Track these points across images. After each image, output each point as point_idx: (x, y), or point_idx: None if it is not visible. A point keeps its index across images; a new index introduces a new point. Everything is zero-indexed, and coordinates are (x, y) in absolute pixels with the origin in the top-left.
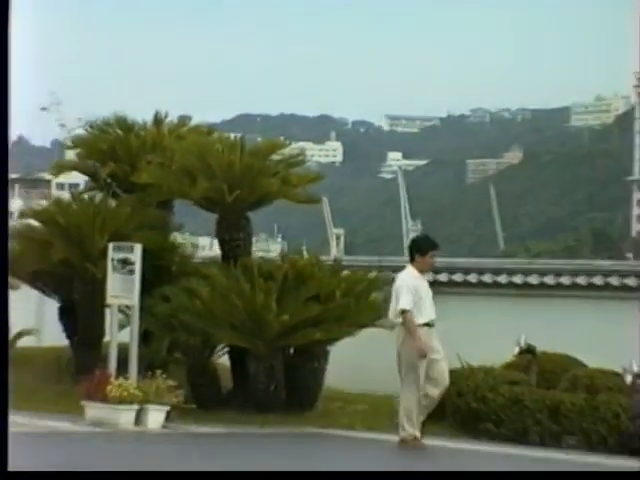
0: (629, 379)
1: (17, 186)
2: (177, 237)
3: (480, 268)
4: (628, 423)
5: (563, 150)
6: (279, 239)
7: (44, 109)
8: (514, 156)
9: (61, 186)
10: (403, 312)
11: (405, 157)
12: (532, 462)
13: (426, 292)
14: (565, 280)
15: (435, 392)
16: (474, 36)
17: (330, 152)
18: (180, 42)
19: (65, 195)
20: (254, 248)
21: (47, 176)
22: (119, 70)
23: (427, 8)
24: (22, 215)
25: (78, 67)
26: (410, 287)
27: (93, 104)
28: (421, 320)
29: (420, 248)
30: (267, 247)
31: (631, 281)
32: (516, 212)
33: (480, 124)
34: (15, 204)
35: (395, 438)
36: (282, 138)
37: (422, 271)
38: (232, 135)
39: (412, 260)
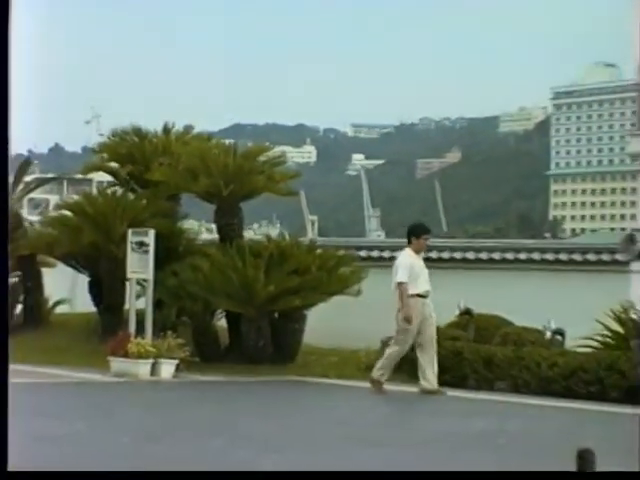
0: (548, 335)
1: (65, 183)
2: (193, 224)
3: (427, 246)
4: (547, 370)
5: (493, 151)
6: (278, 225)
7: (87, 122)
8: (454, 156)
9: (101, 184)
10: (399, 284)
11: (366, 158)
12: (470, 403)
13: (420, 268)
14: (496, 256)
15: (425, 358)
16: (422, 57)
17: (305, 154)
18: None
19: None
20: (259, 232)
21: (90, 176)
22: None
23: (382, 31)
24: (57, 207)
25: (80, 75)
26: (406, 264)
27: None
28: (416, 291)
29: (416, 232)
30: (268, 231)
31: (549, 256)
32: (456, 201)
33: (426, 130)
34: (53, 198)
35: (360, 384)
36: (267, 143)
37: (417, 251)
38: (227, 141)
39: (409, 242)
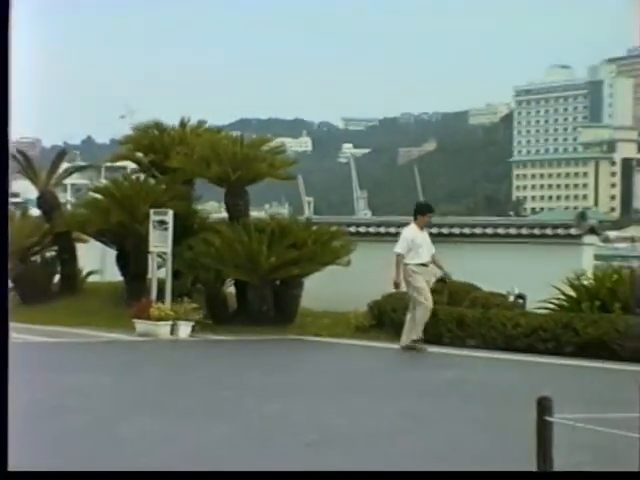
0: (511, 299)
1: (103, 170)
2: (214, 205)
3: (407, 223)
4: (511, 329)
5: (464, 141)
6: (286, 205)
7: (122, 117)
8: (430, 145)
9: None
10: (396, 255)
11: (355, 147)
12: (444, 357)
13: (422, 240)
14: (466, 231)
15: (415, 318)
16: (403, 58)
17: (302, 144)
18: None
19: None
20: (269, 211)
21: (121, 164)
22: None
23: (369, 36)
24: (89, 191)
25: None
26: (408, 238)
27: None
28: (418, 261)
29: (421, 210)
30: (278, 211)
31: (512, 231)
32: (432, 185)
33: (407, 124)
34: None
35: (349, 341)
36: (269, 135)
37: (421, 227)
38: (234, 133)
39: (415, 218)
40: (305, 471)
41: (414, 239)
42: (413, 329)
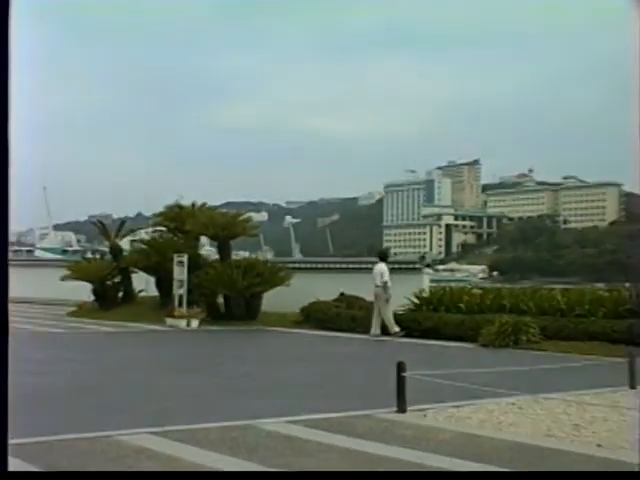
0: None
1: (149, 231)
2: (210, 250)
3: (326, 262)
4: (363, 320)
5: (355, 214)
6: (266, 248)
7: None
8: (335, 217)
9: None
10: (385, 283)
11: (293, 218)
12: (343, 340)
13: (386, 272)
14: (356, 265)
15: (377, 317)
16: (320, 162)
17: (262, 216)
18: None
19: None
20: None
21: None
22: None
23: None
24: (140, 242)
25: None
26: (386, 272)
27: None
28: (390, 285)
29: (385, 255)
30: (257, 254)
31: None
32: (337, 240)
33: (322, 204)
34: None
35: (292, 330)
36: (242, 211)
37: (386, 264)
38: (223, 210)
39: (382, 260)
40: (305, 471)
41: (386, 271)
42: (389, 321)
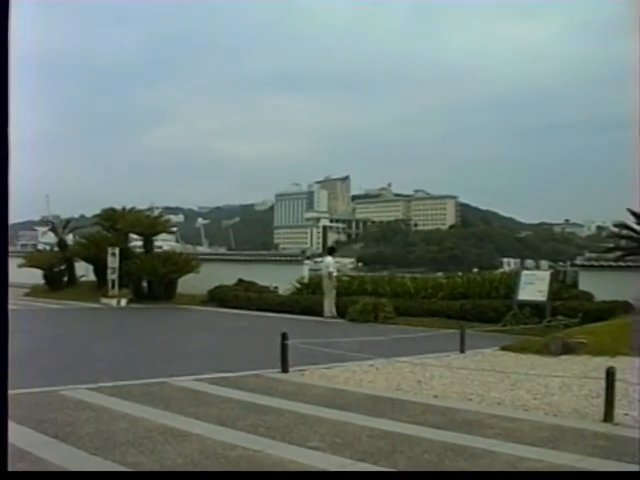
0: (272, 288)
1: (89, 229)
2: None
3: (228, 254)
4: (272, 302)
5: (252, 218)
6: (180, 240)
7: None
8: (236, 219)
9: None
10: (330, 273)
11: (203, 219)
12: (242, 315)
13: (333, 264)
14: (254, 257)
15: (326, 299)
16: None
17: (179, 218)
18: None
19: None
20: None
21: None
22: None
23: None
24: (81, 238)
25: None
26: (332, 264)
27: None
28: (333, 272)
29: (334, 250)
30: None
31: (273, 258)
32: (238, 237)
33: (227, 209)
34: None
35: (200, 308)
36: (163, 213)
37: (334, 257)
38: (148, 212)
39: (329, 254)
40: (305, 471)
41: (332, 264)
42: (330, 304)
